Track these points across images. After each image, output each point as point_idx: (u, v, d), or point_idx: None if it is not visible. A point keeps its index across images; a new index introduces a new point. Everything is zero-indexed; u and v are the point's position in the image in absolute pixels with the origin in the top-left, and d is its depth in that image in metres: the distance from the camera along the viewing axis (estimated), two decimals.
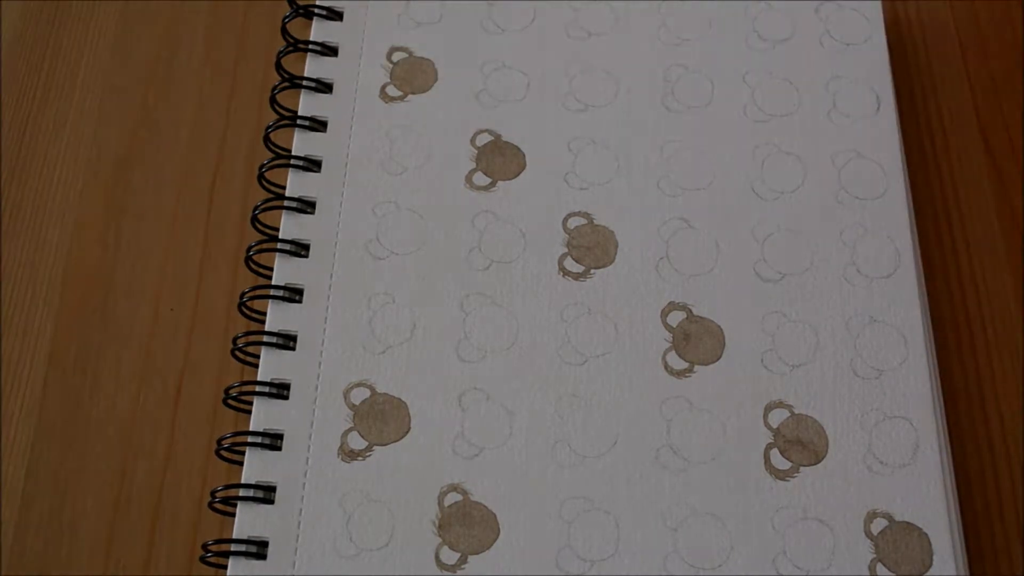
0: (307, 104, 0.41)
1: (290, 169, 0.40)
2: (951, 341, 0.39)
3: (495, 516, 0.34)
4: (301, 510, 0.34)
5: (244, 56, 0.44)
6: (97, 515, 0.36)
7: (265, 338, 0.37)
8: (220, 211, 0.41)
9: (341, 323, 0.37)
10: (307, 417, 0.36)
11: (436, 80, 0.42)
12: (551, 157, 0.40)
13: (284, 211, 0.39)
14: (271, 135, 0.40)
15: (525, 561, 0.34)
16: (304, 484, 0.35)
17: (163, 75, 0.44)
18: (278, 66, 0.41)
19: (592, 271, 0.38)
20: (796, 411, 0.36)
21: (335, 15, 0.43)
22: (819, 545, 0.34)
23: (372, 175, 0.40)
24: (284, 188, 0.39)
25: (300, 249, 0.38)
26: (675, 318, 0.37)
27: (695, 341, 0.37)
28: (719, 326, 0.37)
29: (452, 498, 0.35)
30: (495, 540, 0.34)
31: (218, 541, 0.34)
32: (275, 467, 0.35)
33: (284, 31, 0.42)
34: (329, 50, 0.42)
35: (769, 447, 0.35)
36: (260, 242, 0.38)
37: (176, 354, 0.39)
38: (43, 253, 0.41)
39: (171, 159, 0.42)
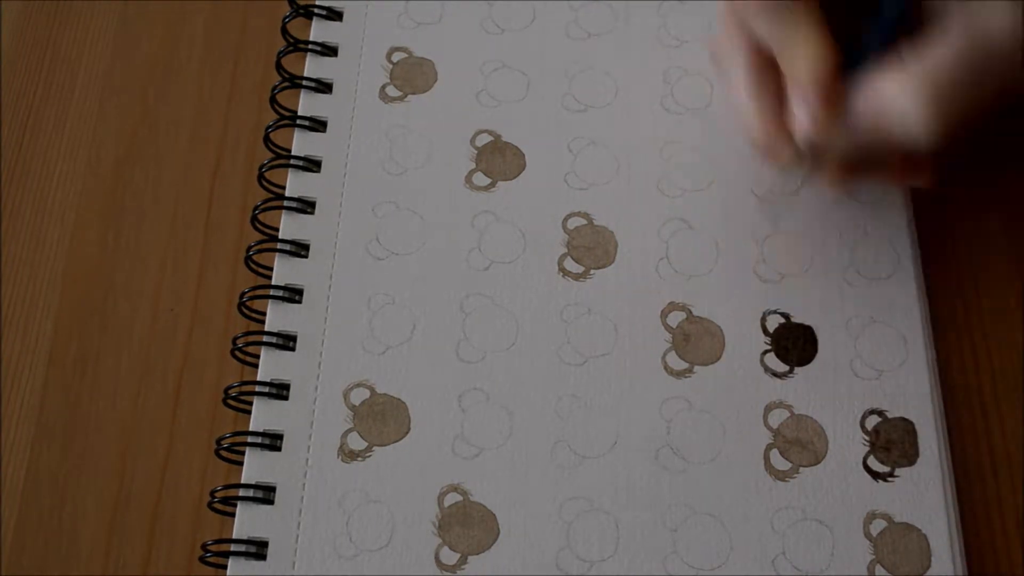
0: (307, 104, 0.41)
1: (290, 169, 0.40)
2: (951, 341, 0.39)
3: (495, 516, 0.34)
4: (301, 510, 0.34)
5: (244, 56, 0.44)
6: (97, 515, 0.36)
7: (265, 338, 0.37)
8: (220, 211, 0.41)
9: (341, 323, 0.37)
10: (307, 417, 0.36)
11: (436, 80, 0.42)
12: (551, 157, 0.40)
13: (284, 211, 0.39)
14: (271, 135, 0.40)
15: (525, 561, 0.34)
16: (304, 484, 0.35)
17: (163, 75, 0.44)
18: (278, 66, 0.41)
19: (592, 271, 0.38)
20: (796, 411, 0.36)
21: (335, 15, 0.43)
22: (818, 546, 0.34)
23: (372, 175, 0.40)
24: (284, 188, 0.39)
25: (300, 249, 0.38)
26: (675, 318, 0.37)
27: (695, 341, 0.37)
28: (719, 326, 0.37)
29: (452, 498, 0.35)
30: (495, 540, 0.34)
31: (218, 541, 0.34)
32: (275, 467, 0.35)
33: (284, 31, 0.42)
34: (329, 50, 0.42)
35: (769, 447, 0.35)
36: (260, 242, 0.38)
37: (176, 354, 0.39)
38: (43, 253, 0.41)
39: (171, 159, 0.42)
